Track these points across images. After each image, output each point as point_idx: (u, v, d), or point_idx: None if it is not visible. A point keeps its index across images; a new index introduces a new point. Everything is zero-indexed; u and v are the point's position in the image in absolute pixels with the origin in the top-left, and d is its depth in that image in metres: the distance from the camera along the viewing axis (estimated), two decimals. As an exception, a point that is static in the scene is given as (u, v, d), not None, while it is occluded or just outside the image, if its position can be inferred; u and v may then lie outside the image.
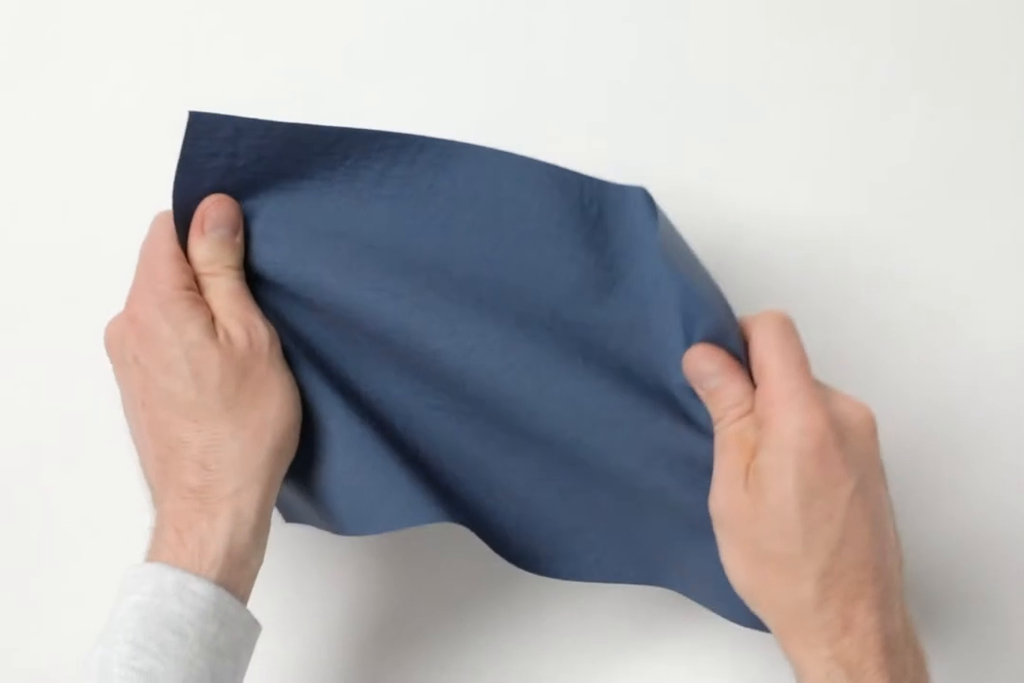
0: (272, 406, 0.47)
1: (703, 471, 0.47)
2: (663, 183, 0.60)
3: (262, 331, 0.48)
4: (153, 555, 0.45)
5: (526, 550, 0.52)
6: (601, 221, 0.49)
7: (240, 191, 0.49)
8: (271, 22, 0.60)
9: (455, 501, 0.50)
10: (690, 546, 0.51)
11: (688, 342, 0.47)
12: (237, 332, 0.47)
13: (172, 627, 0.42)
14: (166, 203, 0.59)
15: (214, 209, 0.48)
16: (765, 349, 0.46)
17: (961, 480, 0.62)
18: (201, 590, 0.43)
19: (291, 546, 0.58)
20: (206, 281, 0.48)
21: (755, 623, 0.48)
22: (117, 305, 0.58)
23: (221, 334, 0.47)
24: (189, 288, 0.47)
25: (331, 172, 0.49)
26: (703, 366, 0.46)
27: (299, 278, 0.48)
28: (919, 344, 0.61)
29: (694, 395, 0.48)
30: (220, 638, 0.44)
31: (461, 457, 0.51)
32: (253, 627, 0.46)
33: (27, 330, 0.59)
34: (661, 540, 0.52)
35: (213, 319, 0.47)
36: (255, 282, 0.49)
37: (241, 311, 0.47)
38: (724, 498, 0.46)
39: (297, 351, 0.50)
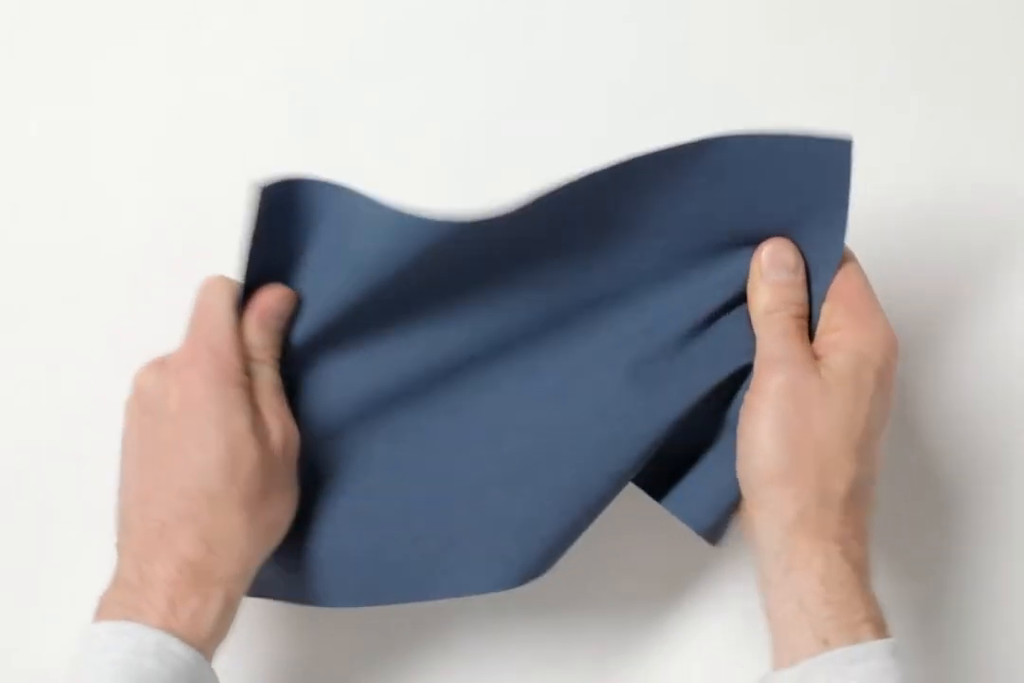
0: (283, 509, 0.48)
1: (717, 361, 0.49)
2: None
3: (292, 433, 0.48)
4: (133, 614, 0.45)
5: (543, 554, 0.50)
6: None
7: (289, 262, 0.49)
8: (271, 22, 0.60)
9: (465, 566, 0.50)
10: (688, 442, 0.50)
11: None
12: (276, 432, 0.47)
13: None
14: (166, 203, 0.59)
15: (278, 303, 0.48)
16: (845, 272, 0.48)
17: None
18: (180, 652, 0.44)
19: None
20: (253, 367, 0.48)
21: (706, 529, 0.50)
22: (117, 306, 0.59)
23: (262, 430, 0.47)
24: (246, 373, 0.47)
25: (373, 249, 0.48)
26: (786, 256, 0.49)
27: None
28: (912, 353, 0.61)
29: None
30: None
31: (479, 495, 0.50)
32: None
33: (27, 330, 0.59)
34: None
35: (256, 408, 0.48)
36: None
37: (279, 407, 0.48)
38: (791, 376, 0.47)
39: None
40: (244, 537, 0.46)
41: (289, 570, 0.50)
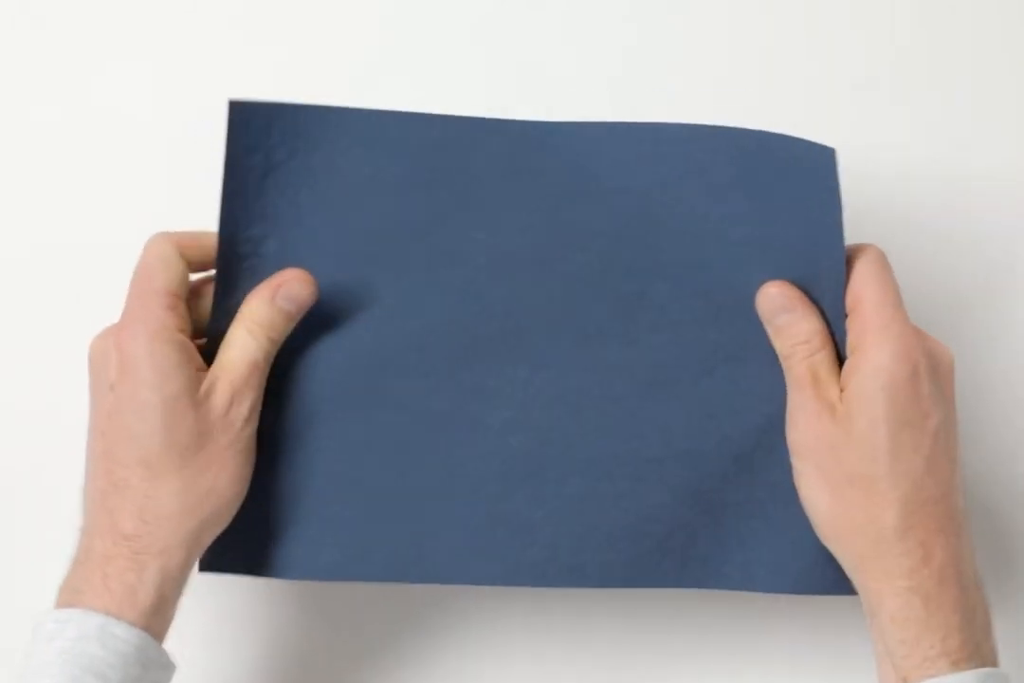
0: (222, 477, 0.46)
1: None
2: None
3: (245, 408, 0.46)
4: (74, 597, 0.44)
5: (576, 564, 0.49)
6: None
7: (281, 190, 0.48)
8: (271, 22, 0.60)
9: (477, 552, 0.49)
10: (761, 521, 0.49)
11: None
12: (222, 398, 0.46)
13: (94, 671, 0.42)
14: (166, 203, 0.59)
15: (297, 286, 0.47)
16: (863, 279, 0.46)
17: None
18: (123, 634, 0.43)
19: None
20: (239, 334, 0.47)
21: (827, 586, 0.48)
22: (117, 306, 0.58)
23: (203, 389, 0.46)
24: (180, 330, 0.46)
25: (371, 165, 0.48)
26: (776, 301, 0.47)
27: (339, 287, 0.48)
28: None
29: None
30: (142, 681, 0.44)
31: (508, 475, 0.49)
32: (170, 668, 0.46)
33: (27, 330, 0.59)
34: (731, 531, 0.50)
35: (199, 368, 0.46)
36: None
37: (242, 384, 0.46)
38: (809, 428, 0.46)
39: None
40: (177, 504, 0.45)
41: (265, 540, 0.49)
